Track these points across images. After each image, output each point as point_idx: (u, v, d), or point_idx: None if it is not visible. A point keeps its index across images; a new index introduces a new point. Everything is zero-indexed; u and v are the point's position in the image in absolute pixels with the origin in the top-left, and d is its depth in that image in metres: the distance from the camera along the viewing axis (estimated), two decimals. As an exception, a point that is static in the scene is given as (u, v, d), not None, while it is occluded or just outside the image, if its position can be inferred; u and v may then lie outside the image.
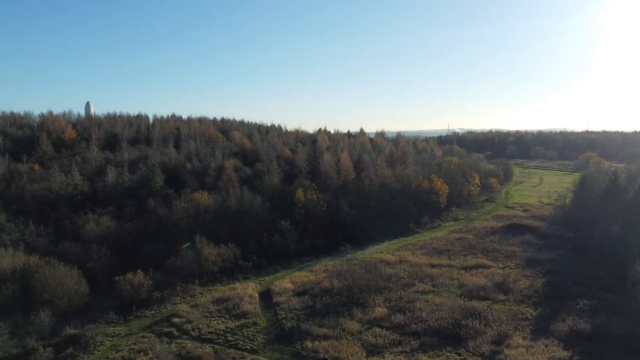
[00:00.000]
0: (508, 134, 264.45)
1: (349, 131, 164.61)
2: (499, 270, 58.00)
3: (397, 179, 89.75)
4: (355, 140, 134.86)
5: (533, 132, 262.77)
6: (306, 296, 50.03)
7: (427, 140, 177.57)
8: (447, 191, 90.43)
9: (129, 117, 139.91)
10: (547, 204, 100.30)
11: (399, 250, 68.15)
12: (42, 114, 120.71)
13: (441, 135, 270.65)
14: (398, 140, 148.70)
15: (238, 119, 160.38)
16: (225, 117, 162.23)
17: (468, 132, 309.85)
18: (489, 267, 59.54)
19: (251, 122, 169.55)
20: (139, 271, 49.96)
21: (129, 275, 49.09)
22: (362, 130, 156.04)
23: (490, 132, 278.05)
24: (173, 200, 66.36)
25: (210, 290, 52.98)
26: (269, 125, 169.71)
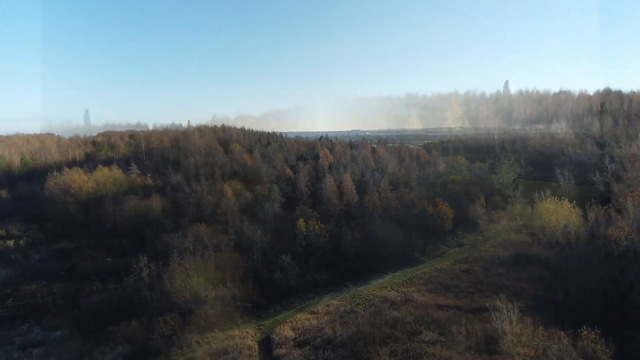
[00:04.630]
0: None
1: (350, 141, 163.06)
2: (508, 314, 55.80)
3: (401, 203, 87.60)
4: (357, 152, 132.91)
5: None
6: (308, 347, 47.85)
7: (429, 150, 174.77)
8: (452, 215, 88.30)
9: (127, 125, 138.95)
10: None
11: (403, 286, 66.01)
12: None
13: (444, 141, 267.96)
14: (400, 151, 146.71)
15: (239, 122, 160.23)
16: (226, 124, 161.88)
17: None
18: (497, 309, 57.34)
19: (252, 130, 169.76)
20: (132, 321, 47.84)
21: (123, 326, 47.01)
22: (364, 141, 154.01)
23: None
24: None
25: (207, 338, 50.83)
26: (270, 132, 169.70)
